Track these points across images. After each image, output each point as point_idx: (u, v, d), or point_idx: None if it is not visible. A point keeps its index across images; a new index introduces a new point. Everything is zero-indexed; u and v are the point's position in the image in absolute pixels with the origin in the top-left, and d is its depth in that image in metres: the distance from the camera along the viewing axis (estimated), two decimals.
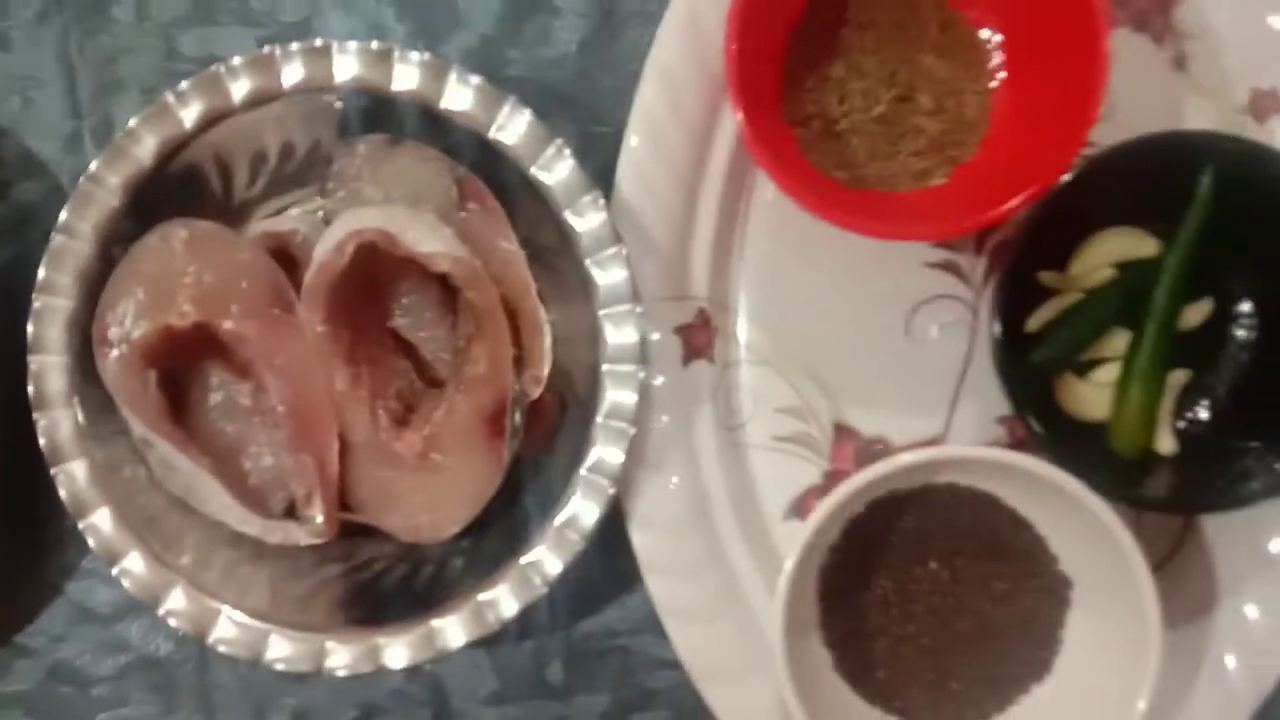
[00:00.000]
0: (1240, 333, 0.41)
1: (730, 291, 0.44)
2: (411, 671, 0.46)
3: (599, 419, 0.40)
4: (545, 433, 0.43)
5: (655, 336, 0.42)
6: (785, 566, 0.38)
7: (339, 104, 0.41)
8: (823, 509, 0.38)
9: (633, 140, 0.42)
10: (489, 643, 0.45)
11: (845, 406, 0.44)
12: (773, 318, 0.44)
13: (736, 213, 0.44)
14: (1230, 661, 0.41)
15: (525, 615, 0.43)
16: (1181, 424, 0.41)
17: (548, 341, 0.42)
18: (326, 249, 0.39)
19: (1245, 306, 0.41)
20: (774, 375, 0.44)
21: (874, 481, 0.38)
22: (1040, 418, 0.39)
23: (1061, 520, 0.39)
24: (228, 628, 0.40)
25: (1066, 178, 0.37)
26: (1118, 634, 0.37)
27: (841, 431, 0.44)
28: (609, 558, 0.43)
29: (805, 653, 0.40)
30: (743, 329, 0.44)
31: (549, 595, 0.43)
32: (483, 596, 0.40)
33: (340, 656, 0.40)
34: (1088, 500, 0.37)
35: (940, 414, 0.43)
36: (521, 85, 0.44)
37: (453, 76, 0.40)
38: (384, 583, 0.43)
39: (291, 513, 0.42)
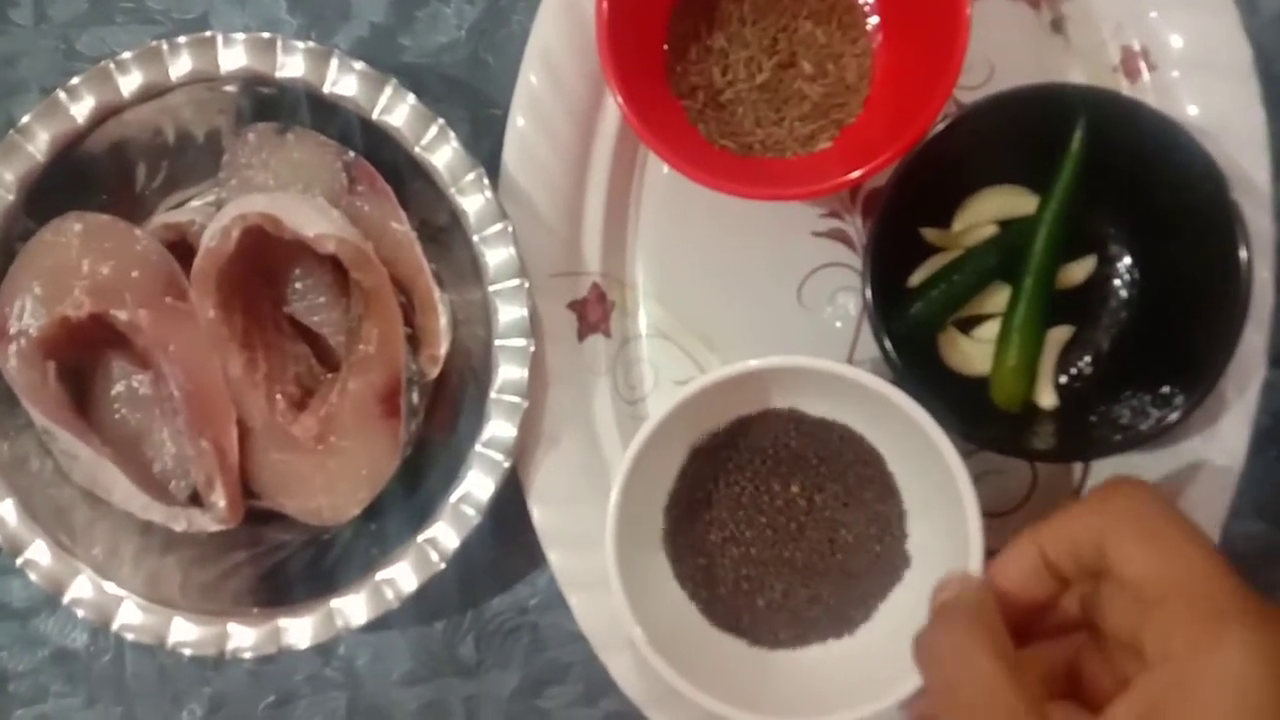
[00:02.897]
0: (1121, 289, 0.42)
1: (627, 267, 0.44)
2: (326, 655, 0.46)
3: (493, 394, 0.41)
4: (450, 413, 0.44)
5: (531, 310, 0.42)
6: (613, 487, 0.39)
7: (231, 89, 0.42)
8: (651, 423, 0.39)
9: (518, 121, 0.42)
10: (401, 624, 0.46)
11: None
12: (670, 291, 0.44)
13: (629, 188, 0.44)
14: None
15: (436, 596, 0.44)
16: (1065, 379, 0.42)
17: (443, 321, 0.42)
18: (212, 235, 0.40)
19: (1125, 263, 0.42)
20: (673, 348, 0.44)
21: (705, 391, 0.39)
22: (924, 371, 0.39)
23: (903, 447, 0.39)
24: (132, 614, 0.41)
25: (939, 128, 0.38)
26: (949, 539, 0.37)
27: None
28: (517, 535, 0.44)
29: (648, 568, 0.41)
30: (641, 303, 0.44)
31: (458, 575, 0.44)
32: (382, 574, 0.41)
33: (244, 638, 0.41)
34: (915, 415, 0.37)
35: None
36: (414, 72, 0.45)
37: (335, 62, 0.40)
38: (290, 567, 0.43)
39: (196, 500, 0.42)
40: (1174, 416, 0.37)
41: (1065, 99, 0.39)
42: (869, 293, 0.38)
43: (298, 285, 0.43)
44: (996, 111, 0.39)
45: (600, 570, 0.42)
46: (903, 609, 0.40)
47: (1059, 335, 0.42)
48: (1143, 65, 0.42)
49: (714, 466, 0.42)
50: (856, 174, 0.38)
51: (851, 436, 0.41)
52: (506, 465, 0.40)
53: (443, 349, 0.42)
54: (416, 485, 0.43)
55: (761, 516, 0.41)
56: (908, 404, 0.37)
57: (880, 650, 0.40)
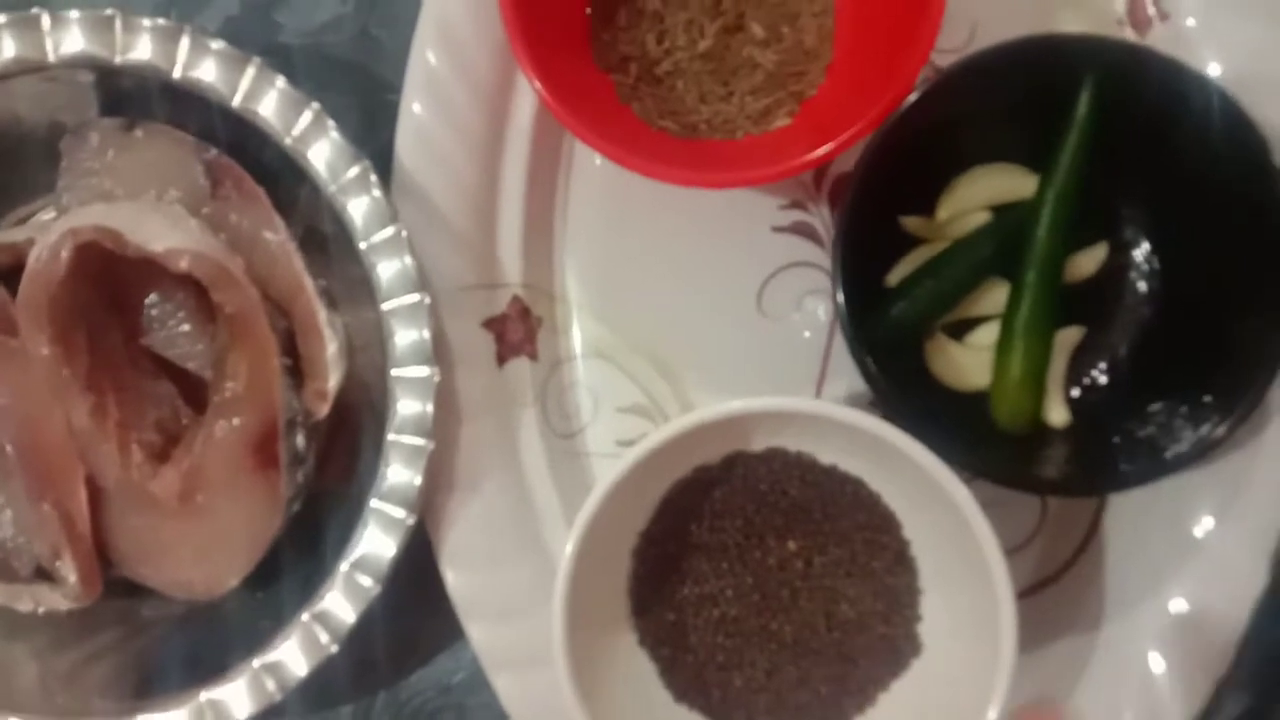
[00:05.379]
0: (1140, 282, 0.35)
1: (555, 276, 0.38)
2: None
3: (390, 435, 0.34)
4: (347, 460, 0.37)
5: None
6: (562, 566, 0.32)
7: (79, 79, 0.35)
8: (605, 483, 0.33)
9: (414, 106, 0.36)
10: (300, 709, 0.39)
11: (697, 400, 0.38)
12: (607, 304, 0.38)
13: (554, 184, 0.38)
14: (1157, 665, 0.35)
15: (341, 674, 0.37)
16: (1076, 391, 0.36)
17: (332, 348, 0.35)
18: (38, 255, 0.33)
19: (1143, 250, 0.35)
20: (614, 370, 0.38)
21: (668, 445, 0.33)
22: (907, 387, 0.32)
23: (924, 514, 0.33)
24: None
25: (915, 96, 0.31)
26: (971, 625, 0.31)
27: None
28: (435, 599, 0.37)
29: (603, 626, 0.35)
30: (574, 319, 0.38)
31: (365, 648, 0.37)
32: (263, 660, 0.34)
33: None
34: (943, 479, 0.31)
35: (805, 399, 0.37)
36: (293, 54, 0.39)
37: (186, 41, 0.34)
38: (165, 650, 0.37)
39: (44, 574, 0.35)
40: (1217, 434, 0.31)
41: (1067, 53, 0.32)
42: (840, 295, 0.32)
43: (154, 312, 0.36)
44: (983, 73, 0.32)
45: (532, 646, 0.35)
46: (908, 704, 0.34)
47: (1068, 338, 0.35)
48: (1153, 13, 0.36)
49: (700, 505, 0.35)
50: (820, 153, 0.32)
51: (864, 494, 0.35)
52: (410, 521, 0.34)
53: (332, 382, 0.35)
54: (313, 546, 0.36)
55: (749, 575, 0.35)
56: (935, 466, 0.31)
57: None
